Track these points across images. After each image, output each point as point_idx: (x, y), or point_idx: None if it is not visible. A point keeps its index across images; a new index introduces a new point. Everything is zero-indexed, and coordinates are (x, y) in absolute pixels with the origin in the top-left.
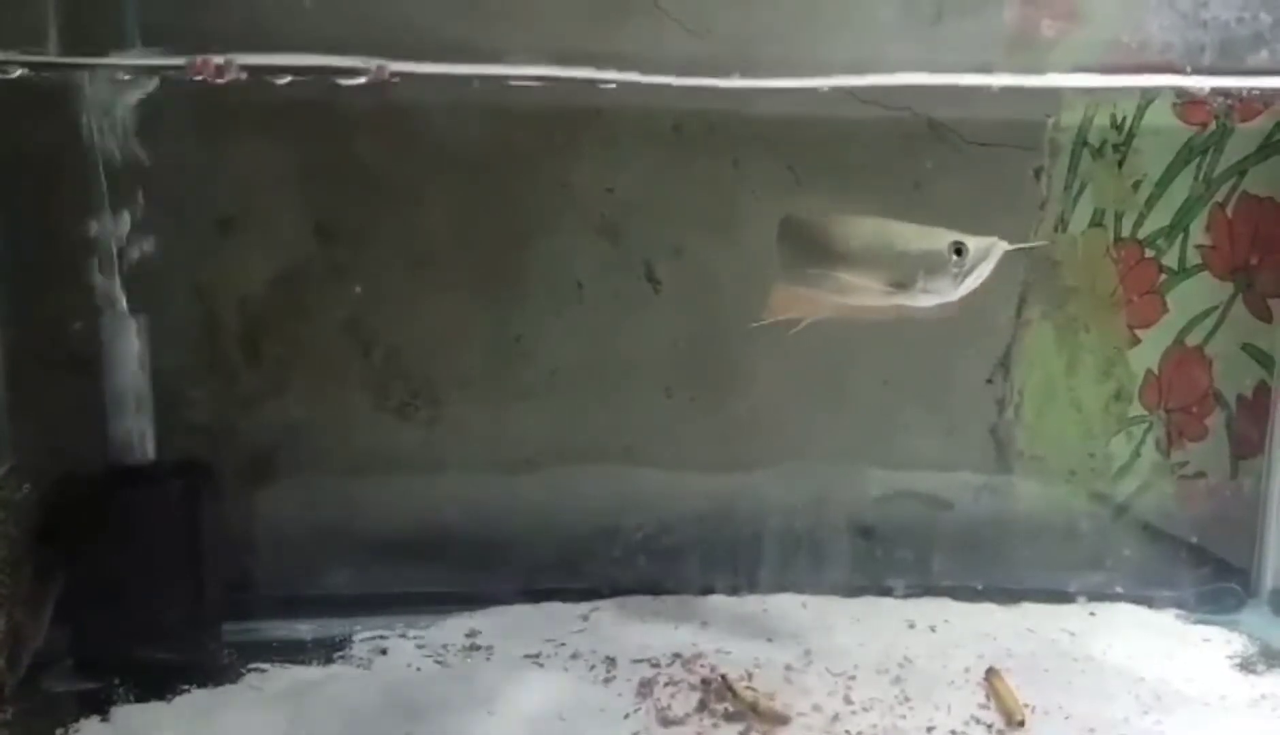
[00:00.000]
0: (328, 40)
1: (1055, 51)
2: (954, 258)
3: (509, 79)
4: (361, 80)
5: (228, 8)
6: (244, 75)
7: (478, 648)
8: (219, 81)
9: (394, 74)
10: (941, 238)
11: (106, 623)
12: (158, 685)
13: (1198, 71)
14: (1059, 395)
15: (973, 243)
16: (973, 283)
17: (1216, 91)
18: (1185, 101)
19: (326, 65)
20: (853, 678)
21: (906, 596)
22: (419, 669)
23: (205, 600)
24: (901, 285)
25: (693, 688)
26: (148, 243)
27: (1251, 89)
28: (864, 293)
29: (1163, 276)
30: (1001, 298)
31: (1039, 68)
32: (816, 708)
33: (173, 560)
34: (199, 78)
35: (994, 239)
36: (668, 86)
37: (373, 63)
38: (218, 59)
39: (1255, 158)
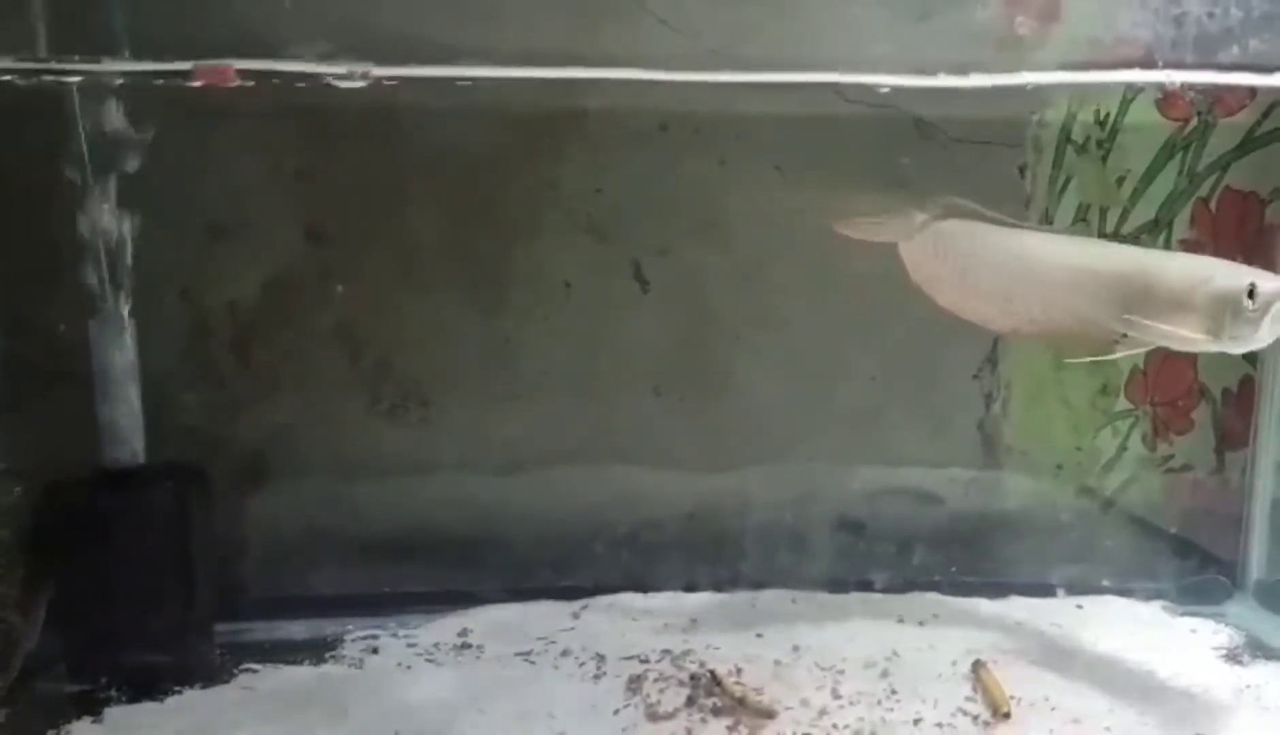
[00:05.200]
0: (313, 43)
1: (1040, 49)
2: (1245, 301)
3: (495, 81)
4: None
5: (214, 12)
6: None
7: (469, 646)
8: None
9: (384, 78)
10: (1243, 276)
11: (99, 625)
12: (150, 687)
13: (1176, 66)
14: (1046, 390)
15: (1266, 283)
16: (1276, 329)
17: (1188, 86)
18: (1166, 97)
19: (314, 70)
20: (841, 672)
21: (894, 591)
22: (410, 668)
23: (197, 602)
24: (1212, 332)
25: (681, 683)
26: (138, 246)
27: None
28: (1176, 342)
29: None
30: None
31: (1023, 65)
32: (804, 702)
33: (164, 562)
34: (200, 83)
35: None
36: (657, 87)
37: (359, 68)
38: (223, 66)
39: (1237, 152)
